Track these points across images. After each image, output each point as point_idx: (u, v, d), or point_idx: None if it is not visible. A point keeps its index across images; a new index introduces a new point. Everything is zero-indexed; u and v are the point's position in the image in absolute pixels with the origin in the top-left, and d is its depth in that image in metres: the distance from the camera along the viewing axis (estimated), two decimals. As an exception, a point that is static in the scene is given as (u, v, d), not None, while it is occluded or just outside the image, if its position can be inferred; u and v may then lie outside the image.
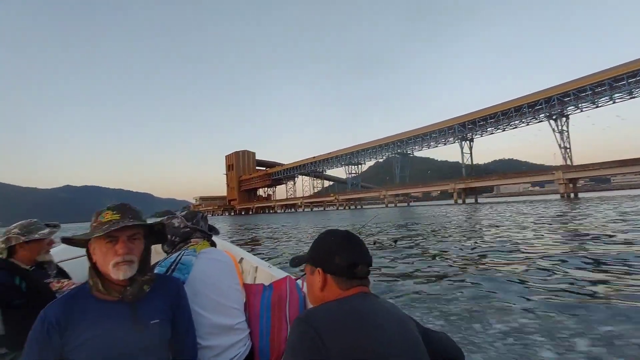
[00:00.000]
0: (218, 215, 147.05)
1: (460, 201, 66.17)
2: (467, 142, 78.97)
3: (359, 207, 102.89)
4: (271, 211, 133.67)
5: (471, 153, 79.41)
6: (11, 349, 1.52)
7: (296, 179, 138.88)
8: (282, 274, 2.13)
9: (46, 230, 1.73)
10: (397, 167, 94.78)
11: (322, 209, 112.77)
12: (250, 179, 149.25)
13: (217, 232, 1.79)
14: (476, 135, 78.36)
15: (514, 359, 2.54)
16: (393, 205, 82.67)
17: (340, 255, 0.93)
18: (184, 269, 1.38)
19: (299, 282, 1.78)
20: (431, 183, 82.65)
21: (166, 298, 1.14)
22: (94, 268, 1.03)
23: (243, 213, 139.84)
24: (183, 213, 1.67)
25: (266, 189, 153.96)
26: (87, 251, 1.05)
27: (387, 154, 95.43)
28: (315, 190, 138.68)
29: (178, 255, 1.43)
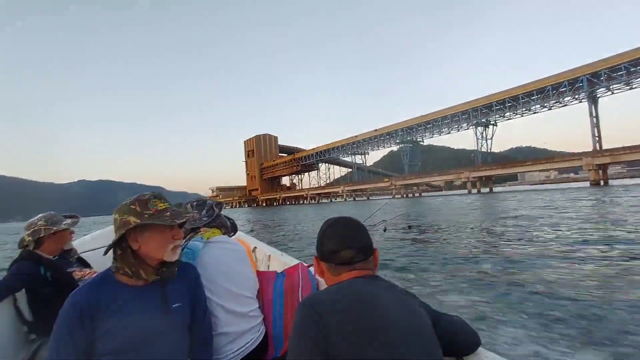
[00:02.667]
0: (237, 207, 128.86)
1: (474, 191, 61.86)
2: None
3: (417, 194, 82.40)
4: (301, 202, 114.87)
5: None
6: (39, 335, 1.64)
7: (321, 165, 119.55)
8: (294, 261, 2.16)
9: (69, 221, 1.87)
10: (478, 149, 73.29)
11: (364, 199, 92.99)
12: (274, 165, 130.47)
13: (222, 220, 1.71)
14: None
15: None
16: (476, 191, 62.35)
17: (325, 242, 0.97)
18: (190, 254, 1.39)
19: (311, 269, 1.78)
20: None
21: (186, 283, 1.20)
22: (133, 255, 1.07)
23: (265, 205, 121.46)
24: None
25: (293, 176, 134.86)
26: (124, 239, 1.07)
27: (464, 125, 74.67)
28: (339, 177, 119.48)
29: (185, 242, 1.45)
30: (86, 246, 2.58)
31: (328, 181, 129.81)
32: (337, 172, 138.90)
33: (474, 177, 63.44)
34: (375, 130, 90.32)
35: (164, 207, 1.11)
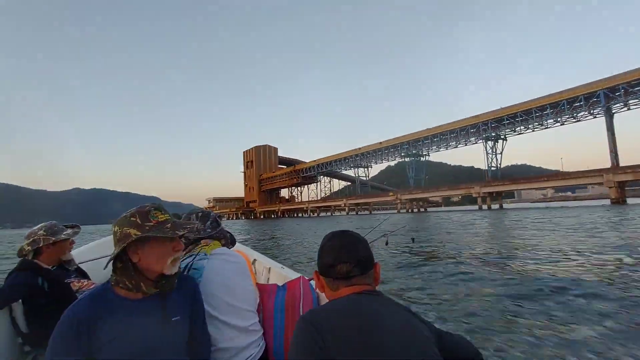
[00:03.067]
0: (234, 219, 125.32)
1: (485, 207, 60.83)
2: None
3: (422, 209, 79.78)
4: (299, 215, 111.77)
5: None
6: (34, 347, 1.60)
7: (322, 177, 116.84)
8: (294, 274, 2.17)
9: (70, 231, 1.86)
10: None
11: (367, 213, 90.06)
12: (273, 177, 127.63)
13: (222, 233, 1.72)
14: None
15: None
16: (486, 207, 59.73)
17: (323, 256, 0.96)
18: (197, 273, 1.38)
19: (313, 282, 1.77)
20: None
21: (185, 296, 1.18)
22: (133, 268, 1.05)
23: (262, 217, 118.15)
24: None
25: (293, 188, 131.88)
26: (124, 252, 1.04)
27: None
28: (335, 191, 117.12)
29: (191, 260, 1.44)
30: (84, 256, 2.53)
31: (326, 194, 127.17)
32: (336, 185, 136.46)
33: (484, 193, 61.15)
34: (380, 142, 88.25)
35: (164, 218, 1.10)
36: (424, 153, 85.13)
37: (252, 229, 32.15)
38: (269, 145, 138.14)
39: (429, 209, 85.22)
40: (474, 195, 62.83)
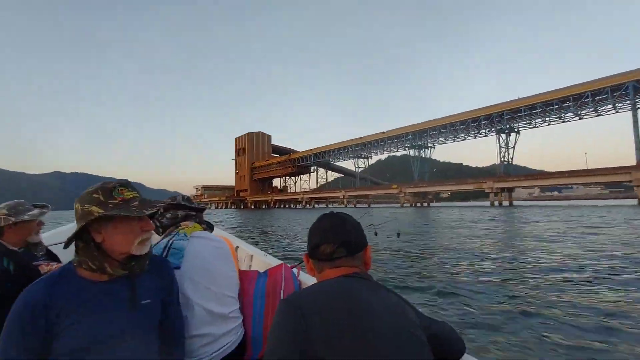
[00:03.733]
0: (223, 208, 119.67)
1: (496, 203, 58.96)
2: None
3: (425, 204, 75.91)
4: (292, 206, 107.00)
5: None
6: None
7: (316, 169, 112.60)
8: (277, 262, 2.17)
9: (35, 211, 1.73)
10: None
11: (366, 206, 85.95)
12: (267, 165, 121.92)
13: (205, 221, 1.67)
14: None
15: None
16: (498, 203, 56.00)
17: (310, 237, 0.94)
18: (177, 254, 1.33)
19: (295, 270, 1.80)
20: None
21: (158, 279, 1.10)
22: (97, 248, 0.97)
23: (253, 207, 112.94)
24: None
25: (286, 178, 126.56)
26: (86, 231, 0.96)
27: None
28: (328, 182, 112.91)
29: (169, 240, 1.39)
30: (56, 239, 2.44)
31: (320, 185, 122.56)
32: (329, 176, 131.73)
33: (497, 188, 57.49)
34: (383, 132, 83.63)
35: (131, 196, 1.01)
36: (429, 145, 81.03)
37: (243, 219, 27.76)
38: (262, 132, 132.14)
39: (431, 204, 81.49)
40: (486, 191, 59.17)
